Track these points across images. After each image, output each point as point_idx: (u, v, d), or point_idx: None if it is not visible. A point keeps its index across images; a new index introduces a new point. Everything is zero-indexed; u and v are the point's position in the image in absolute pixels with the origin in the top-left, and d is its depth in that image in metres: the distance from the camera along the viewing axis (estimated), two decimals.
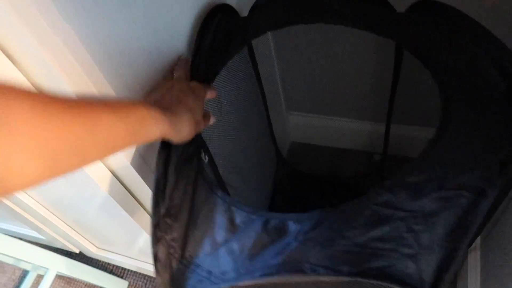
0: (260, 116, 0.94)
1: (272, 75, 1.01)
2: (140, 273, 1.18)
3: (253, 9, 0.62)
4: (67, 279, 1.23)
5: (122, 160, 0.51)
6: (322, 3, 0.58)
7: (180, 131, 0.41)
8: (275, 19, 0.66)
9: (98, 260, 1.20)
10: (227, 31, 0.57)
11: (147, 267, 1.02)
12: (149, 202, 0.42)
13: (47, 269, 0.95)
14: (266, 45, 0.93)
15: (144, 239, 0.82)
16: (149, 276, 1.17)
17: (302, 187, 1.15)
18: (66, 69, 0.39)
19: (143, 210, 0.67)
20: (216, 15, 0.56)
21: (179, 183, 0.44)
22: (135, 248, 0.95)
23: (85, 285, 1.21)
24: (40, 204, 0.85)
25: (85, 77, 0.41)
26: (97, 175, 0.55)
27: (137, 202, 0.65)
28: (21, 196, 0.79)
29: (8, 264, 1.32)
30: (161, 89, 0.46)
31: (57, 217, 0.90)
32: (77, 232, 0.98)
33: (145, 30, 0.48)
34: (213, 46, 0.54)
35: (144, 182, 0.56)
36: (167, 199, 0.42)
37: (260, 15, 0.62)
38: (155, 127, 0.37)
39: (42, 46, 0.36)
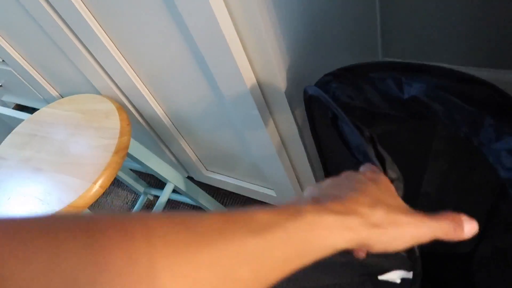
0: None
1: None
2: (238, 197, 1.26)
3: None
4: (172, 203, 1.36)
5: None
6: None
7: (382, 237, 0.26)
8: None
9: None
10: None
11: (249, 186, 1.09)
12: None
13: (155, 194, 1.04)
14: None
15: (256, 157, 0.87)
16: (249, 199, 1.23)
17: None
18: None
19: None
20: None
21: None
22: (241, 169, 1.02)
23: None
24: (171, 121, 0.94)
25: None
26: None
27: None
28: (153, 109, 0.88)
29: (122, 190, 1.49)
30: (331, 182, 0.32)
31: (184, 137, 0.99)
32: (196, 155, 1.08)
33: None
34: None
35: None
36: None
37: None
38: (331, 239, 0.24)
39: None
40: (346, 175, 0.32)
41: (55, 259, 0.16)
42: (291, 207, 0.24)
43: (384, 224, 0.26)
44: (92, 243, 0.17)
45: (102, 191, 0.70)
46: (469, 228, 0.29)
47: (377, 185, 0.31)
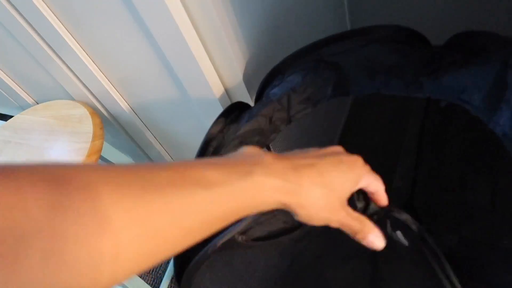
0: None
1: None
2: None
3: None
4: None
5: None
6: None
7: (308, 211, 0.29)
8: None
9: None
10: None
11: None
12: None
13: None
14: None
15: None
16: None
17: None
18: None
19: None
20: None
21: None
22: None
23: None
24: (145, 126, 0.96)
25: None
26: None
27: None
28: (127, 113, 0.90)
29: None
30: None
31: (158, 141, 1.01)
32: (171, 158, 1.10)
33: None
34: None
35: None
36: None
37: None
38: (272, 199, 0.28)
39: None
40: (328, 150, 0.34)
41: (19, 202, 0.17)
42: (241, 165, 0.27)
43: (315, 204, 0.29)
44: (56, 188, 0.19)
45: None
46: (371, 240, 0.33)
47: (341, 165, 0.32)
